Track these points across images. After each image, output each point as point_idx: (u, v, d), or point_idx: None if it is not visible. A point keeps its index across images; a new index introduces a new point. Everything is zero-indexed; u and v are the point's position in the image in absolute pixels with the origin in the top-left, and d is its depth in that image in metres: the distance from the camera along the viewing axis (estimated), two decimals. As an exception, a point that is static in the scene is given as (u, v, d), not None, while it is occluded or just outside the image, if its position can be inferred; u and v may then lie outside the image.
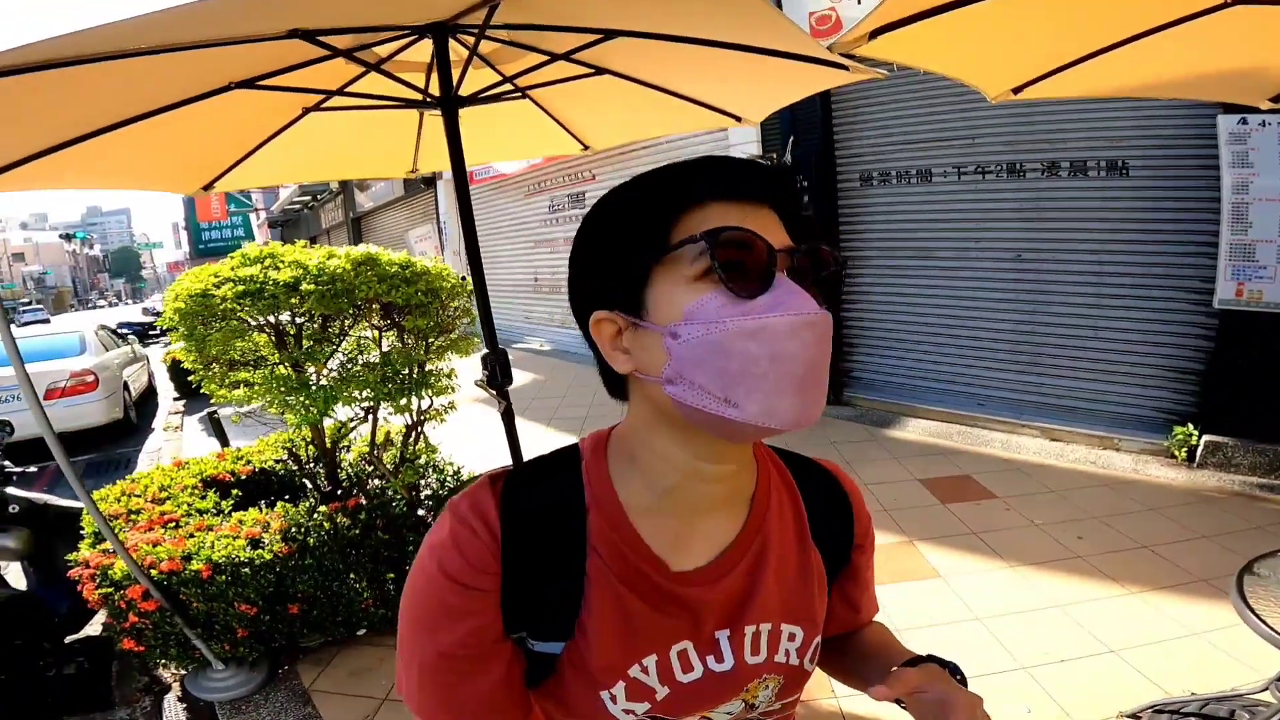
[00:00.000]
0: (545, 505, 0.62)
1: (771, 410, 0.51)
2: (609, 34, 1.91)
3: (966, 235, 5.01)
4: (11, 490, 2.98)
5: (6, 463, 3.02)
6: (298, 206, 23.27)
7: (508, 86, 2.29)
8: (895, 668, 0.61)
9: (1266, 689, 1.67)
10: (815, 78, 2.10)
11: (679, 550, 0.62)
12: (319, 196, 20.59)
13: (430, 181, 11.70)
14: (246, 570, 2.48)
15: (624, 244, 0.55)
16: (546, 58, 2.15)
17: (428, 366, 3.05)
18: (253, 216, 27.75)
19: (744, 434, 0.54)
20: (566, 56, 2.13)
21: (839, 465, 0.77)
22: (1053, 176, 4.56)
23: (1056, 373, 4.74)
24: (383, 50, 2.02)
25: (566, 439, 3.73)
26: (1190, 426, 4.06)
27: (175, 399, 9.19)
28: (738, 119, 2.60)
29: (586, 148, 3.04)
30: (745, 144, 5.72)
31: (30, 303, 49.36)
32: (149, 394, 9.85)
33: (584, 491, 0.62)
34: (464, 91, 2.09)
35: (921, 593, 2.93)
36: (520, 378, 7.54)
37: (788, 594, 0.66)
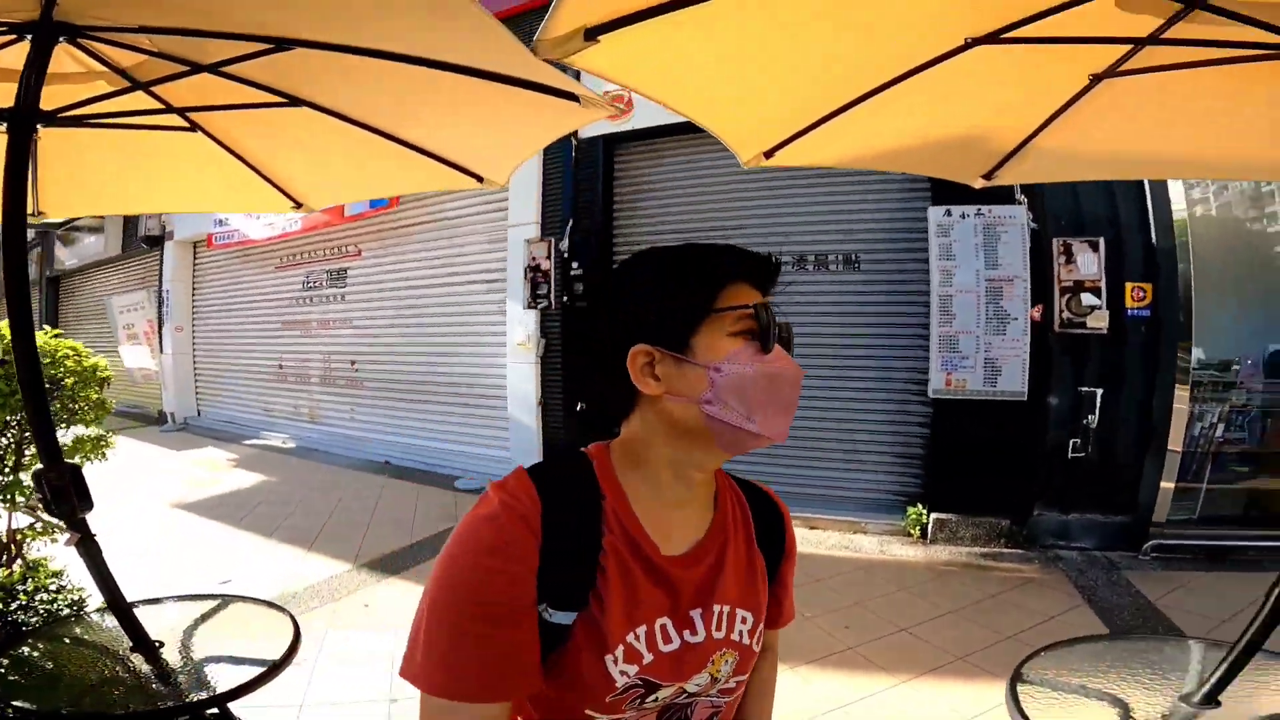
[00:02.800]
0: (570, 488, 0.75)
1: (773, 427, 0.74)
2: (281, 44, 1.44)
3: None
4: None
5: None
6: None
7: (141, 101, 1.72)
8: None
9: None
10: (548, 118, 1.77)
11: (665, 538, 0.77)
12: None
13: (156, 241, 9.81)
14: None
15: (680, 300, 0.74)
16: (185, 68, 1.61)
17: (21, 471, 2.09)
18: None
19: (747, 444, 0.75)
20: (215, 69, 1.60)
21: (769, 488, 0.95)
22: (801, 269, 4.86)
23: (816, 464, 4.91)
24: None
25: (289, 552, 2.85)
26: (920, 506, 4.35)
27: None
28: (479, 179, 2.15)
29: (299, 206, 2.44)
30: (524, 224, 5.48)
31: None
32: None
33: (598, 483, 0.77)
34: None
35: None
36: (245, 479, 6.18)
37: (742, 584, 0.83)
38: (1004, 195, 4.05)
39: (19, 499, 2.07)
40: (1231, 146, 2.02)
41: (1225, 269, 4.09)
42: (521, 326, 5.53)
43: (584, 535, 0.73)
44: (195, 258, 9.84)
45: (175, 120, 2.00)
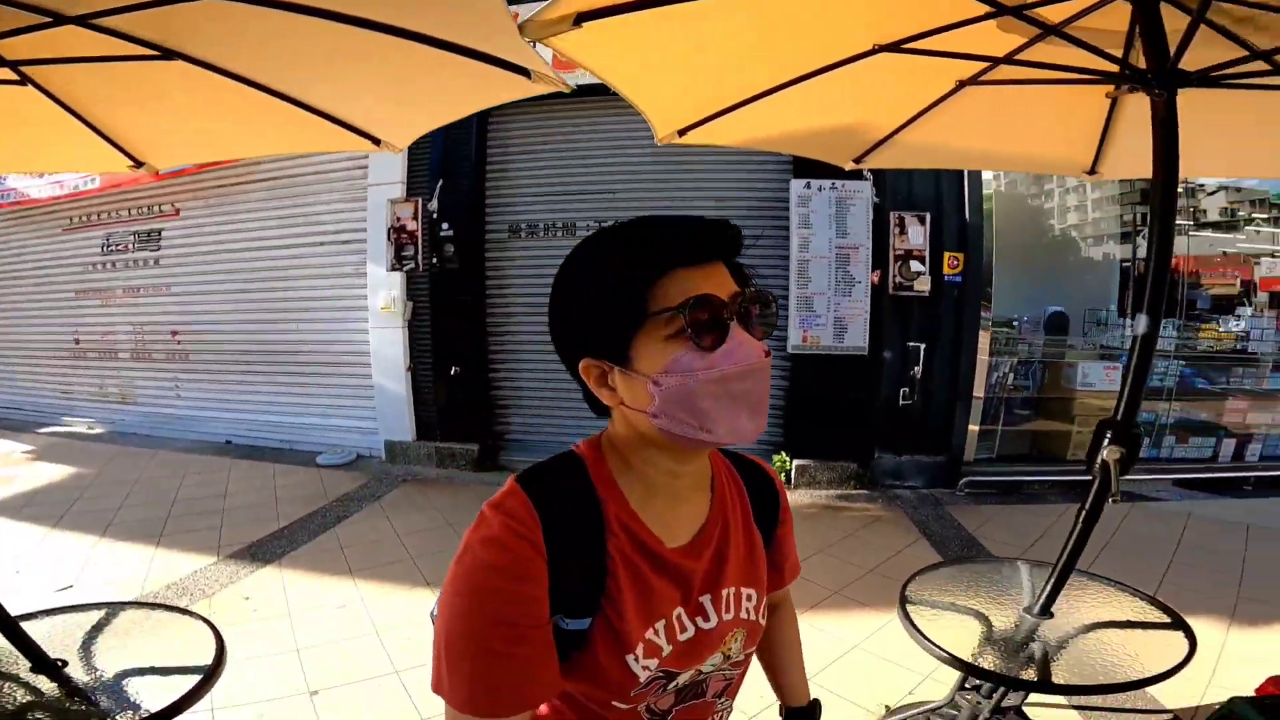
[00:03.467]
0: (567, 498, 0.73)
1: (735, 431, 0.70)
2: (167, 53, 1.33)
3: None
4: None
5: None
6: None
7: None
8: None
9: (952, 699, 1.85)
10: (485, 89, 1.70)
11: (667, 532, 0.77)
12: None
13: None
14: None
15: (607, 310, 0.69)
16: (47, 20, 1.38)
17: None
18: None
19: (713, 448, 0.78)
20: (82, 21, 1.39)
21: (757, 458, 0.96)
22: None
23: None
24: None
25: (133, 552, 2.56)
26: (784, 454, 4.87)
27: None
28: (376, 142, 2.06)
29: (138, 164, 2.16)
30: (389, 183, 5.14)
31: None
32: None
33: (594, 487, 0.75)
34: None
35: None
36: (51, 473, 5.32)
37: (743, 563, 0.84)
38: (854, 173, 4.53)
39: None
40: (1033, 147, 2.50)
41: (1018, 242, 4.94)
42: (385, 290, 5.24)
43: (588, 544, 0.72)
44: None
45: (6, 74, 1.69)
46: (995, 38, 1.67)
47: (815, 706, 1.07)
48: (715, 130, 2.07)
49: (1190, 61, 1.46)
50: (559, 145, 5.18)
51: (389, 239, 5.12)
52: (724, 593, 0.80)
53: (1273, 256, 5.34)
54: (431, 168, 5.08)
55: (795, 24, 1.60)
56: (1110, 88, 1.72)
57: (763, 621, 0.85)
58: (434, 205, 4.99)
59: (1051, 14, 1.58)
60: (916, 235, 4.58)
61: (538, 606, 0.68)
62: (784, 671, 1.06)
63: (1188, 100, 1.52)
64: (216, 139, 2.25)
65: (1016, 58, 1.77)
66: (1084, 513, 1.66)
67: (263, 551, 3.82)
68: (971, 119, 2.18)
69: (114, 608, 1.92)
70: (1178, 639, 1.64)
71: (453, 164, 5.11)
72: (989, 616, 1.73)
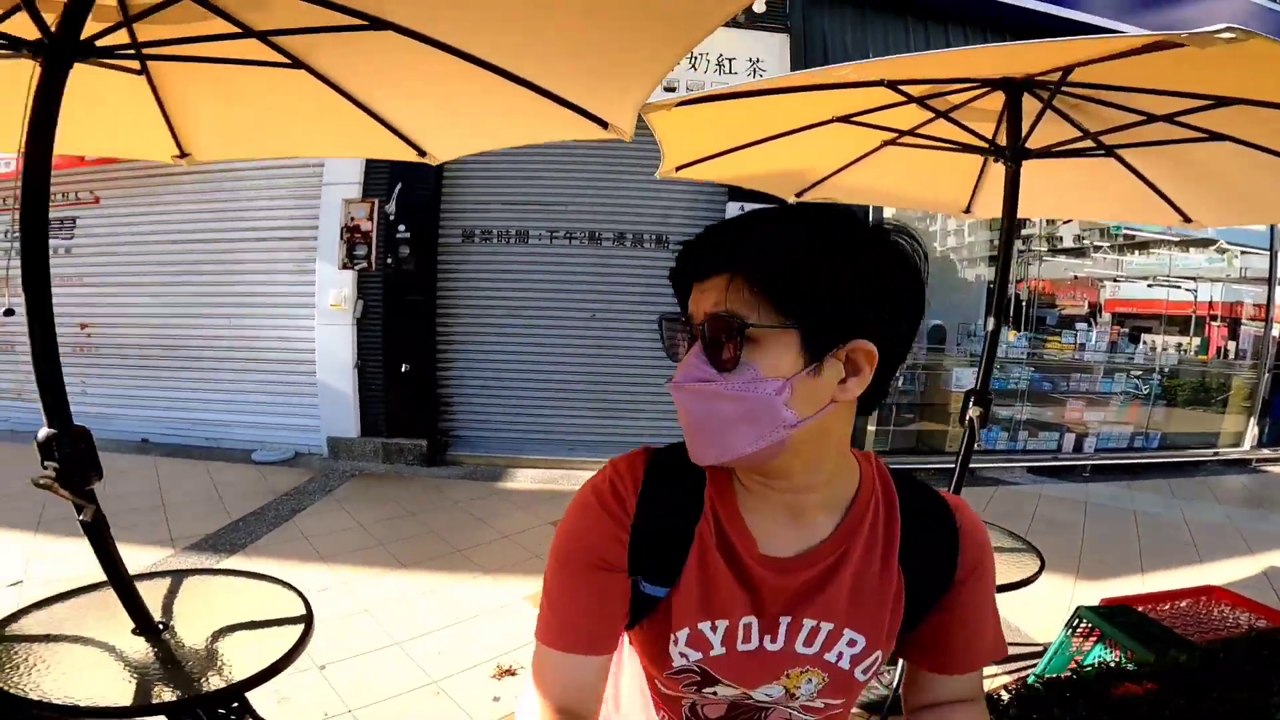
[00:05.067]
0: (679, 474, 0.76)
1: (690, 448, 0.71)
2: (376, 23, 1.58)
3: (553, 294, 5.62)
4: None
5: None
6: None
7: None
8: None
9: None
10: (553, 126, 1.92)
11: (772, 539, 0.75)
12: None
13: None
14: None
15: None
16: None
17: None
18: None
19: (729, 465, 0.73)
20: (263, 36, 1.67)
21: (964, 502, 0.83)
22: (619, 245, 5.56)
23: (626, 416, 5.69)
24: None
25: (76, 545, 2.62)
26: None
27: None
28: (422, 153, 2.36)
29: (184, 155, 2.34)
30: (345, 183, 5.23)
31: None
32: None
33: (708, 474, 0.77)
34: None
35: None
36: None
37: (858, 603, 0.75)
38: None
39: None
40: (928, 192, 3.21)
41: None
42: (335, 288, 5.32)
43: (679, 519, 0.75)
44: None
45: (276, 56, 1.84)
46: (912, 114, 2.26)
47: None
48: (703, 168, 2.61)
49: (1037, 139, 2.10)
50: (515, 156, 5.49)
51: (342, 238, 5.23)
52: (810, 623, 0.75)
53: (1114, 281, 6.56)
54: (392, 171, 5.24)
55: (788, 105, 2.13)
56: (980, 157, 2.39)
57: (862, 677, 0.77)
58: (391, 207, 5.15)
59: (942, 104, 2.19)
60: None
61: (614, 548, 0.74)
62: None
63: (1033, 165, 2.18)
64: (272, 136, 2.42)
65: (919, 131, 2.39)
66: (960, 456, 2.33)
67: (223, 542, 3.85)
68: (887, 169, 2.80)
69: (179, 574, 2.00)
70: (1031, 559, 2.30)
71: (412, 169, 5.29)
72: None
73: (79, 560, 3.57)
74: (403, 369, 5.42)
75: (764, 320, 0.64)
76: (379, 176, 5.31)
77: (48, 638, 1.65)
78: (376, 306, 5.43)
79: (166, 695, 1.45)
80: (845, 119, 2.28)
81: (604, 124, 1.81)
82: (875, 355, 0.67)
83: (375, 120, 2.14)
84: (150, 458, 5.52)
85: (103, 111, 2.06)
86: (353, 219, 5.23)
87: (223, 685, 1.51)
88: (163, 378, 6.06)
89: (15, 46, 1.38)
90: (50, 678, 1.44)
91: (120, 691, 1.44)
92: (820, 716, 0.81)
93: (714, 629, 0.75)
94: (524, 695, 0.86)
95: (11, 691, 1.35)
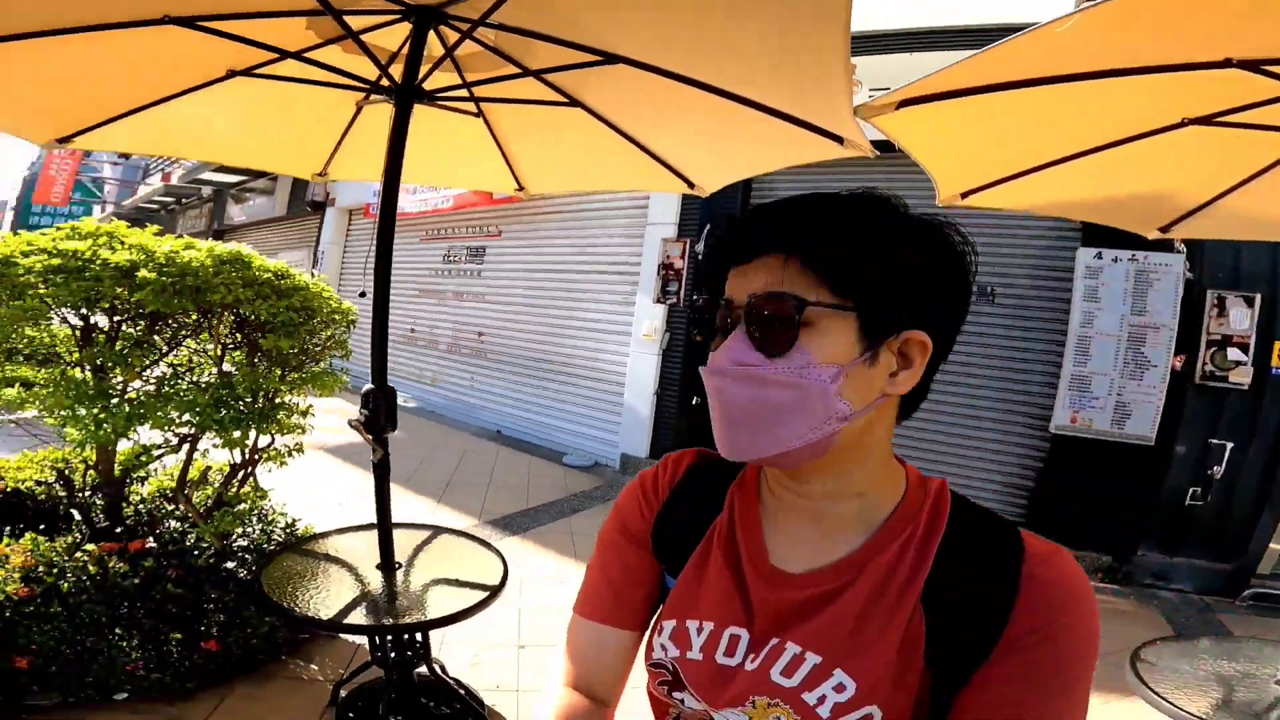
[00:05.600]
0: (714, 473, 0.77)
1: (720, 440, 0.65)
2: (610, 58, 1.72)
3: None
4: None
5: None
6: (155, 206, 20.79)
7: (465, 94, 2.06)
8: None
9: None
10: (798, 148, 1.89)
11: (788, 552, 0.69)
12: (184, 200, 18.58)
13: (320, 206, 10.91)
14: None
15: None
16: (518, 71, 1.94)
17: (279, 399, 2.57)
18: (96, 209, 24.41)
19: (756, 462, 0.70)
20: (539, 74, 1.94)
21: (1057, 547, 0.63)
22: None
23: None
24: (356, 23, 1.74)
25: (422, 503, 3.23)
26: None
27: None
28: (691, 185, 2.45)
29: (521, 189, 2.80)
30: (664, 224, 5.80)
31: None
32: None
33: (738, 475, 0.76)
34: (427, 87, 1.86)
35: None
36: (380, 430, 6.82)
37: (859, 640, 0.62)
38: (1163, 244, 3.98)
39: (269, 427, 2.51)
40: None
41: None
42: (649, 319, 5.86)
43: (698, 512, 0.75)
44: (350, 224, 10.90)
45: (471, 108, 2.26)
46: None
47: None
48: (998, 194, 2.09)
49: None
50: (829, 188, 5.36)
51: (658, 274, 5.75)
52: (793, 650, 0.64)
53: None
54: (701, 211, 5.61)
55: (1094, 99, 1.59)
56: None
57: None
58: (700, 247, 5.48)
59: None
60: (1240, 318, 3.84)
61: (639, 523, 0.78)
62: None
63: None
64: (575, 174, 2.82)
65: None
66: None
67: (512, 523, 4.52)
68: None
69: (436, 531, 2.40)
70: None
71: (719, 211, 5.59)
72: (1232, 685, 1.52)
73: (419, 513, 4.65)
74: (693, 401, 5.65)
75: (824, 300, 0.60)
76: (691, 216, 5.70)
77: (326, 557, 2.15)
78: (680, 340, 5.80)
79: (365, 620, 1.78)
80: (1208, 120, 1.58)
81: (839, 140, 1.72)
82: (929, 347, 0.63)
83: (645, 153, 2.31)
84: (495, 445, 6.79)
85: (457, 149, 2.63)
86: (668, 256, 5.70)
87: (411, 622, 1.79)
88: (521, 382, 7.43)
89: (377, 91, 1.91)
90: (309, 592, 1.88)
91: (343, 611, 1.77)
92: None
93: (699, 630, 0.70)
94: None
95: (283, 603, 1.80)
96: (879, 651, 0.61)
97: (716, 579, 0.70)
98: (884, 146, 1.82)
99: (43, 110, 2.07)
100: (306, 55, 1.87)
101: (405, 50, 1.82)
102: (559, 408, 6.95)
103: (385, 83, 1.81)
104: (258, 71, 1.91)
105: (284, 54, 1.87)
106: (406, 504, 4.73)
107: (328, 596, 1.86)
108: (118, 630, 2.16)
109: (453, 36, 1.82)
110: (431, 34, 1.79)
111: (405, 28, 1.81)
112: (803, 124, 1.77)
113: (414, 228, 9.32)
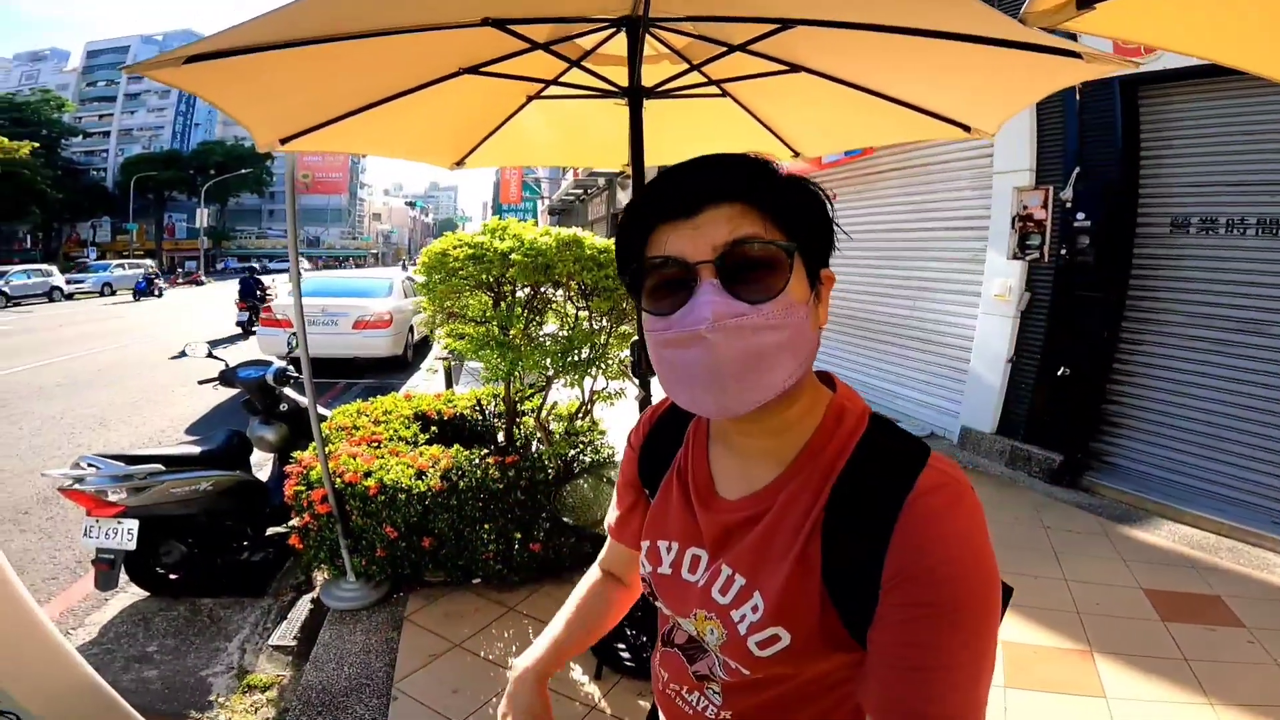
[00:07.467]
0: (686, 415, 0.84)
1: (695, 402, 0.65)
2: (784, 23, 1.76)
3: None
4: (288, 391, 3.69)
5: (290, 368, 3.72)
6: (571, 198, 25.86)
7: (695, 77, 2.24)
8: None
9: None
10: (1045, 75, 1.76)
11: (727, 480, 0.75)
12: (589, 191, 22.59)
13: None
14: (402, 496, 2.80)
15: (623, 264, 0.69)
16: (724, 49, 2.06)
17: (608, 350, 3.14)
18: (539, 203, 31.68)
19: (705, 414, 0.73)
20: (743, 48, 2.01)
21: (952, 477, 0.62)
22: None
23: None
24: (586, 43, 2.11)
25: None
26: None
27: (443, 347, 10.83)
28: (966, 128, 2.24)
29: (796, 154, 2.85)
30: (1016, 171, 4.96)
31: (379, 255, 63.49)
32: (426, 340, 11.75)
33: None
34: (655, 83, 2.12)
35: (1067, 709, 2.41)
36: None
37: (765, 565, 0.67)
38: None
39: (594, 371, 3.10)
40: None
41: None
42: (1001, 278, 5.10)
43: (666, 448, 0.84)
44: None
45: (714, 90, 2.47)
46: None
47: None
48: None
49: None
50: (1232, 129, 3.98)
51: (1013, 227, 4.95)
52: (727, 571, 0.70)
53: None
54: (1066, 155, 4.59)
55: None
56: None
57: (758, 654, 0.66)
58: (1068, 194, 4.52)
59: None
60: None
61: (630, 469, 0.90)
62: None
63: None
64: (840, 133, 2.83)
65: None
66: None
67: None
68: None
69: None
70: None
71: (1092, 150, 4.48)
72: None
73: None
74: (1059, 372, 4.76)
75: (784, 242, 0.63)
76: (1053, 161, 4.70)
77: (609, 481, 2.59)
78: (1044, 301, 4.92)
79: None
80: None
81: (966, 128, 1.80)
82: (834, 281, 0.70)
83: (897, 104, 2.20)
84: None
85: (702, 130, 2.84)
86: (1025, 207, 4.84)
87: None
88: (854, 344, 7.24)
89: (610, 95, 2.21)
90: (581, 506, 2.31)
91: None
92: (736, 683, 0.71)
93: (669, 549, 0.78)
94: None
95: (563, 517, 2.26)
96: (781, 575, 0.65)
97: (677, 505, 0.79)
98: None
99: (438, 144, 2.80)
100: (562, 81, 2.29)
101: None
102: (894, 372, 6.57)
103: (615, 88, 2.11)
104: (545, 95, 2.42)
105: (546, 82, 2.32)
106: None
107: (589, 510, 2.25)
108: (486, 525, 2.93)
109: (667, 37, 2.01)
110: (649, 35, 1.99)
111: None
112: (1031, 47, 1.62)
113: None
